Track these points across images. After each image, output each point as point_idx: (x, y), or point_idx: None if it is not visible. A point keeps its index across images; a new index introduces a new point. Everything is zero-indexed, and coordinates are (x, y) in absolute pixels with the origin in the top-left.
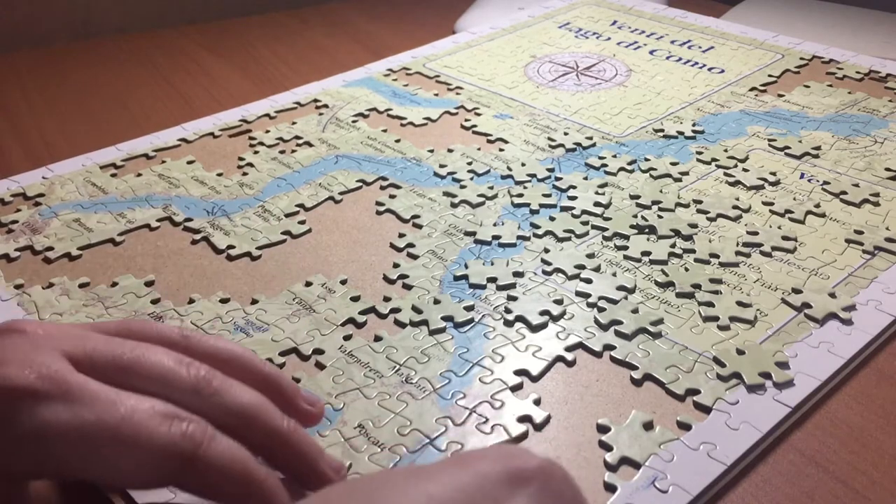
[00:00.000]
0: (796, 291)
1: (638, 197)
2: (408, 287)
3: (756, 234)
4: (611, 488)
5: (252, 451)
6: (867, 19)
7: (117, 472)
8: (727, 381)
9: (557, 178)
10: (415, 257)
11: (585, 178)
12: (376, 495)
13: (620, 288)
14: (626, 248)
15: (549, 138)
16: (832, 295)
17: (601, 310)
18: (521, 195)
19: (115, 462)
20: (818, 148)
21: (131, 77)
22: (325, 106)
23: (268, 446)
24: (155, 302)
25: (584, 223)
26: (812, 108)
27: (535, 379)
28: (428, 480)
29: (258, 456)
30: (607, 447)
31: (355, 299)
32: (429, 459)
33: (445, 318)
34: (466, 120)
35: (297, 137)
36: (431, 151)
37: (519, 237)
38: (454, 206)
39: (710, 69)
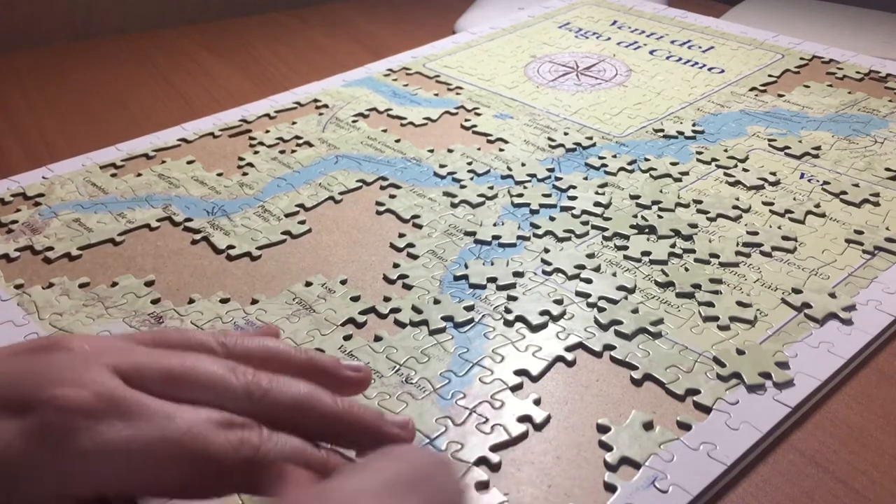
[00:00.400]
0: (796, 291)
1: (638, 197)
2: (408, 287)
3: (756, 234)
4: (611, 488)
5: (315, 438)
6: (867, 19)
7: (180, 486)
8: (727, 381)
9: (557, 178)
10: (415, 257)
11: (585, 178)
12: None
13: (620, 288)
14: (626, 248)
15: (549, 138)
16: (832, 295)
17: (601, 310)
18: (521, 195)
19: (180, 475)
20: (818, 148)
21: (131, 77)
22: (325, 106)
23: (329, 429)
24: (155, 302)
25: (584, 223)
26: (812, 108)
27: (535, 379)
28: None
29: (323, 441)
30: (607, 447)
31: (355, 299)
32: None
33: (445, 318)
34: (466, 120)
35: (297, 137)
36: (431, 151)
37: (519, 237)
38: (454, 206)
39: (710, 69)
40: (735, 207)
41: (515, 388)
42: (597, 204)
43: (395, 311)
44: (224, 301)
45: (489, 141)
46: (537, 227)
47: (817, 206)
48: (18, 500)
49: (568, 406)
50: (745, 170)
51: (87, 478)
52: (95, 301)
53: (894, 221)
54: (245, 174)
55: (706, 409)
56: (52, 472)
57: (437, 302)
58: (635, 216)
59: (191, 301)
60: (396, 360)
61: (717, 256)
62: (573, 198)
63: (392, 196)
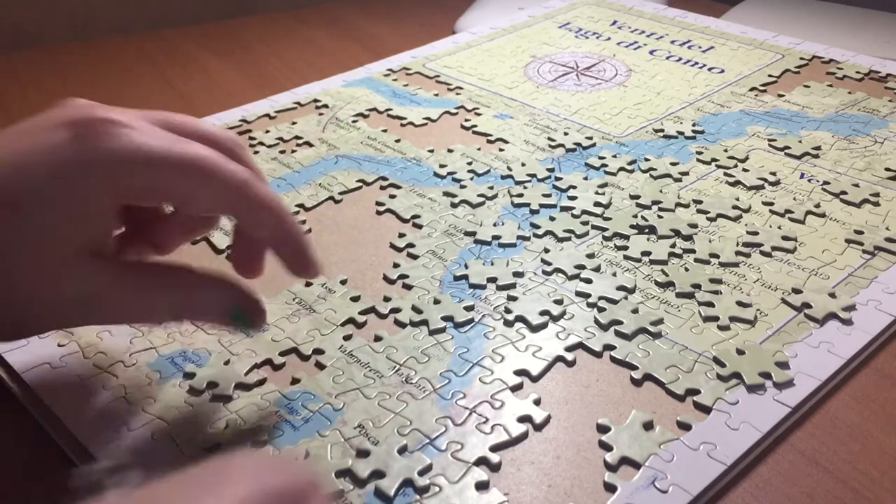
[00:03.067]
0: (796, 291)
1: (638, 197)
2: (408, 287)
3: (756, 234)
4: (611, 488)
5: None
6: (867, 19)
7: (193, 199)
8: (727, 381)
9: (557, 178)
10: (415, 257)
11: (585, 178)
12: None
13: (620, 288)
14: (626, 248)
15: (549, 138)
16: (832, 295)
17: (601, 310)
18: (521, 195)
19: (197, 188)
20: (818, 148)
21: (131, 77)
22: (325, 106)
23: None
24: None
25: (584, 223)
26: (812, 108)
27: (535, 379)
28: None
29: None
30: (607, 447)
31: (355, 299)
32: (428, 459)
33: (445, 318)
34: (466, 120)
35: (297, 137)
36: (431, 151)
37: (519, 237)
38: (454, 206)
39: (710, 69)
40: (735, 207)
41: (515, 388)
42: (597, 204)
43: (395, 311)
44: None
45: (489, 141)
46: (537, 227)
47: (817, 206)
48: (77, 199)
49: (568, 406)
50: (745, 170)
51: (122, 179)
52: None
53: (894, 221)
54: None
55: (706, 409)
56: (95, 170)
57: (437, 302)
58: (635, 216)
59: None
60: (396, 360)
61: (717, 256)
62: (573, 198)
63: (392, 196)
